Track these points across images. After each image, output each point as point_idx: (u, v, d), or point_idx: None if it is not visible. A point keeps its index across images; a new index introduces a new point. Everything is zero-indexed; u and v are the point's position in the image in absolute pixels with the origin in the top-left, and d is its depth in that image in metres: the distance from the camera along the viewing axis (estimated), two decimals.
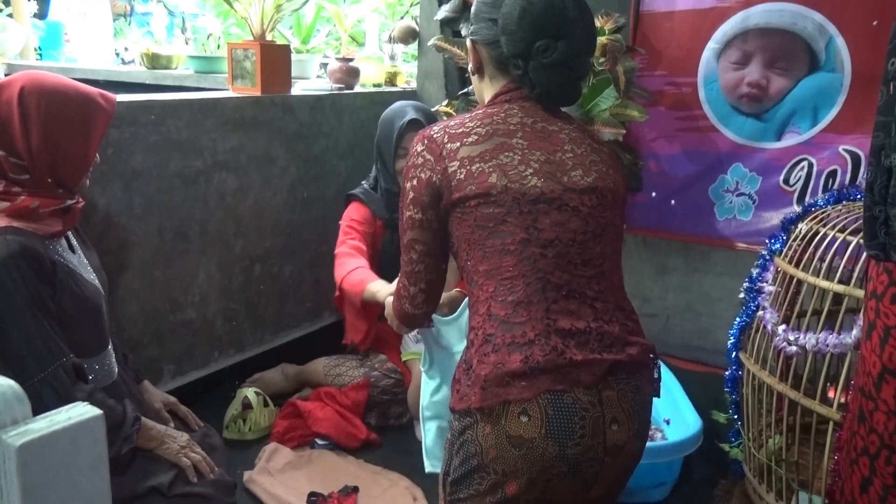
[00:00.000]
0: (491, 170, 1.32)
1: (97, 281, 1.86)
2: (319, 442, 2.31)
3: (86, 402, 1.61)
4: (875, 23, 2.55)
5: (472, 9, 1.50)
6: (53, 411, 0.56)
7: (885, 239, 1.27)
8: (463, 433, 1.27)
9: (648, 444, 1.43)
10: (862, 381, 1.34)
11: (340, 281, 2.39)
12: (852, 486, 1.36)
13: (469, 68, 1.54)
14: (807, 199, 2.71)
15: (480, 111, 1.42)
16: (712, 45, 2.82)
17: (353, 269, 2.37)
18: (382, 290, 2.20)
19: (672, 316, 3.17)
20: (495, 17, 1.42)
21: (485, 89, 1.51)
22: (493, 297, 1.30)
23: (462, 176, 1.33)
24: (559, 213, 1.32)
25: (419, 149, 1.39)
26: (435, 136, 1.38)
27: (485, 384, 1.24)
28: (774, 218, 2.75)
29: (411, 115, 2.46)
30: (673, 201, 3.02)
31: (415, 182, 1.38)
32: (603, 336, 1.29)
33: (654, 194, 3.04)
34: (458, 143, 1.35)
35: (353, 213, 2.55)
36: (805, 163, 2.77)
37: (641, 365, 1.33)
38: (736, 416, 2.14)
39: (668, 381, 2.37)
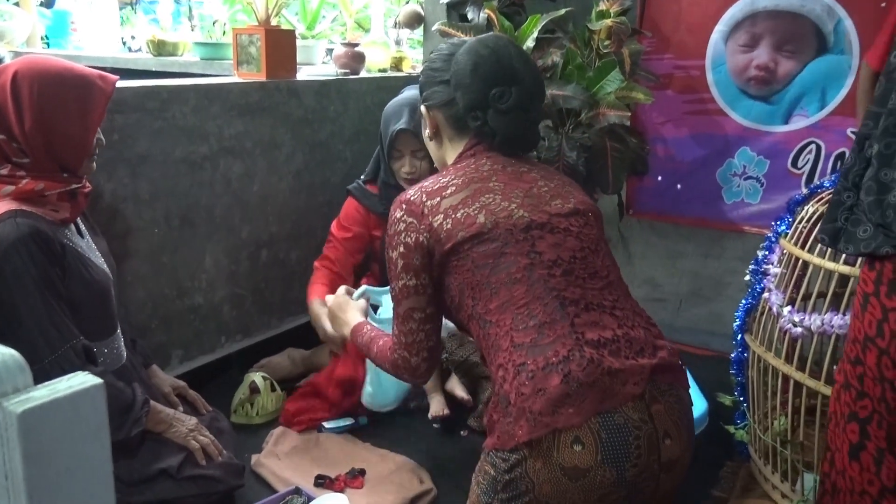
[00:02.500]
0: (476, 212, 1.35)
1: (105, 266, 1.87)
2: (327, 426, 2.33)
3: None
4: (883, 4, 2.53)
5: (421, 78, 1.57)
6: (55, 380, 0.57)
7: (843, 224, 1.31)
8: (510, 471, 1.21)
9: None
10: (849, 347, 1.37)
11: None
12: (843, 454, 1.38)
13: (425, 135, 1.59)
14: (815, 181, 2.70)
15: (451, 168, 1.47)
16: (720, 28, 2.81)
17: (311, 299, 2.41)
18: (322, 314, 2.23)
19: (683, 301, 3.16)
20: (446, 78, 1.49)
21: (446, 153, 1.56)
22: (514, 328, 1.27)
23: (449, 226, 1.35)
24: (553, 236, 1.35)
25: (398, 215, 1.41)
26: (412, 198, 1.41)
27: (530, 415, 1.19)
28: (783, 201, 2.73)
29: (403, 122, 2.39)
30: (679, 185, 3.01)
31: (401, 249, 1.40)
32: (631, 342, 1.27)
33: (660, 178, 3.03)
34: (438, 198, 1.39)
35: (343, 214, 2.56)
36: (813, 146, 2.76)
37: (676, 370, 1.31)
38: (742, 399, 2.14)
39: None
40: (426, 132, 1.58)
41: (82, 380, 0.56)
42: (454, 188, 1.39)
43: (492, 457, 1.25)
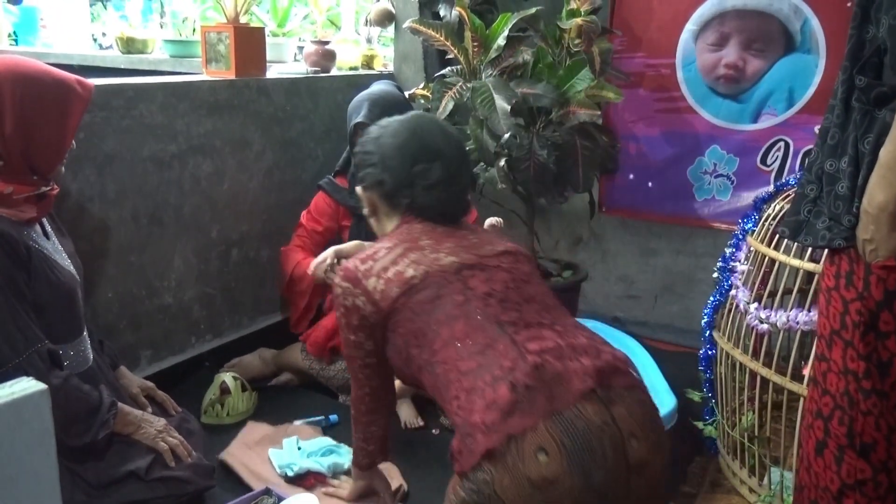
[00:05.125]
0: (405, 267, 1.45)
1: (72, 267, 1.85)
2: (297, 423, 2.32)
3: (59, 388, 1.62)
4: (849, 4, 2.56)
5: (355, 161, 1.69)
6: None
7: (805, 217, 1.33)
8: (478, 493, 1.20)
9: None
10: (817, 344, 1.39)
11: (290, 270, 2.51)
12: (808, 450, 1.40)
13: (365, 213, 1.68)
14: (783, 178, 2.73)
15: (385, 237, 1.59)
16: (690, 27, 2.83)
17: (298, 260, 2.51)
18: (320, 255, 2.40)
19: (657, 298, 3.18)
20: (375, 160, 1.59)
21: (384, 229, 1.64)
22: (459, 359, 1.32)
23: (382, 286, 1.45)
24: (483, 272, 1.44)
25: (338, 282, 1.53)
26: (349, 265, 1.52)
27: (485, 428, 1.20)
28: (753, 198, 2.77)
29: (361, 116, 2.43)
30: (651, 183, 3.03)
31: (342, 310, 1.52)
32: (574, 347, 1.30)
33: (631, 176, 3.05)
34: (371, 263, 1.49)
35: (314, 207, 2.60)
36: (781, 143, 2.79)
37: (627, 375, 1.30)
38: (710, 395, 2.17)
39: (645, 360, 2.39)
40: (365, 210, 1.67)
41: (25, 386, 0.55)
42: (385, 251, 1.49)
43: (460, 486, 1.24)
